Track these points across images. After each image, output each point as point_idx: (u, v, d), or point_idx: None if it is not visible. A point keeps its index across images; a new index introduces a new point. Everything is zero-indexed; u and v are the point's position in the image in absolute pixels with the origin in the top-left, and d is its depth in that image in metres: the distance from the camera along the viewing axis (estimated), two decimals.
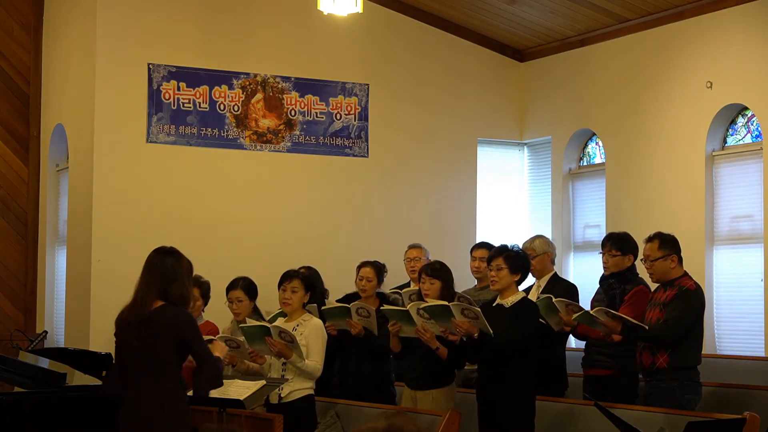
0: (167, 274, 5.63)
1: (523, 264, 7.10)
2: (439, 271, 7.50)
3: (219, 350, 6.15)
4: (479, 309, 6.89)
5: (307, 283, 7.39)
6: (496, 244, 7.54)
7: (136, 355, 5.63)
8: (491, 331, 6.81)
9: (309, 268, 8.77)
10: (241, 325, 7.42)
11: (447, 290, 7.44)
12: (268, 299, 8.78)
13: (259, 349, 7.19)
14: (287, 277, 7.40)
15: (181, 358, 5.68)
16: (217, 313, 8.33)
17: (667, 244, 7.10)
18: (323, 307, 7.97)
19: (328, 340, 7.57)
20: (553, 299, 7.35)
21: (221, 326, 8.17)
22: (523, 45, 11.64)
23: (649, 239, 7.17)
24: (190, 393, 5.90)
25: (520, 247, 7.36)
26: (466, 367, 8.20)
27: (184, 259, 5.75)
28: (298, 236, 10.60)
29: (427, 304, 7.14)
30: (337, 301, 8.50)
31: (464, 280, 9.09)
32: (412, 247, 9.32)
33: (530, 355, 6.93)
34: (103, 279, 9.87)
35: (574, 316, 7.16)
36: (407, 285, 9.02)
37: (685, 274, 7.12)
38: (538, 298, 7.54)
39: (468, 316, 6.88)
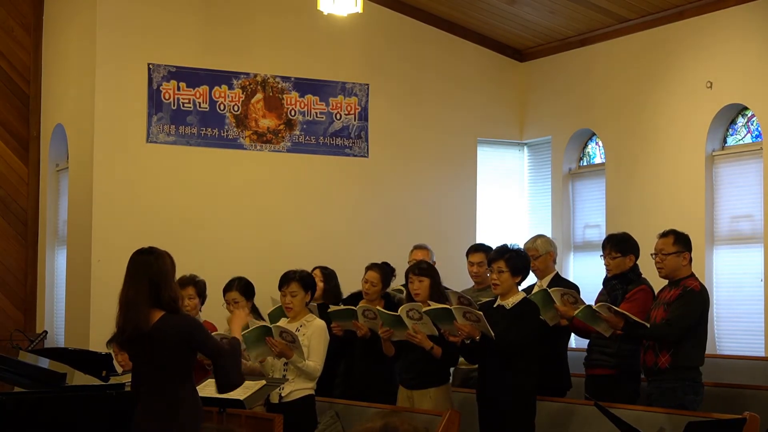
0: (154, 278, 5.51)
1: (524, 264, 7.10)
2: (426, 270, 7.55)
3: (238, 322, 6.02)
4: (481, 313, 6.88)
5: (305, 283, 7.38)
6: (495, 244, 7.51)
7: (147, 364, 5.59)
8: (493, 334, 6.81)
9: (325, 268, 8.77)
10: (242, 333, 7.39)
11: (436, 287, 7.48)
12: (268, 299, 8.78)
13: (260, 352, 7.17)
14: (284, 281, 7.39)
15: (191, 363, 5.66)
16: (217, 312, 8.33)
17: (682, 241, 7.12)
18: (329, 310, 7.96)
19: (333, 340, 7.57)
20: (549, 290, 7.35)
21: (220, 325, 8.16)
22: (523, 45, 11.63)
23: (664, 234, 7.17)
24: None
25: (520, 246, 7.35)
26: (464, 367, 8.21)
27: (166, 255, 5.63)
28: (297, 236, 10.60)
29: (429, 308, 7.14)
30: (342, 301, 8.49)
31: (465, 280, 9.09)
32: (417, 248, 9.26)
33: (531, 355, 6.93)
34: (103, 279, 9.86)
35: (576, 312, 7.16)
36: None
37: (692, 274, 7.13)
38: (533, 292, 7.55)
39: (470, 319, 6.88)
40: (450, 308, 6.99)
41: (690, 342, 6.96)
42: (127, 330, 5.52)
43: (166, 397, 5.55)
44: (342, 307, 8.01)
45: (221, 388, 5.75)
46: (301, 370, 7.14)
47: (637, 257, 7.51)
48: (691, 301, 6.98)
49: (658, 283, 7.35)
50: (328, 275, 8.76)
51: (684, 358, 6.93)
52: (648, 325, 6.96)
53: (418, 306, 7.30)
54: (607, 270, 7.59)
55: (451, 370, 8.15)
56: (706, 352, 7.25)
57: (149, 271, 5.53)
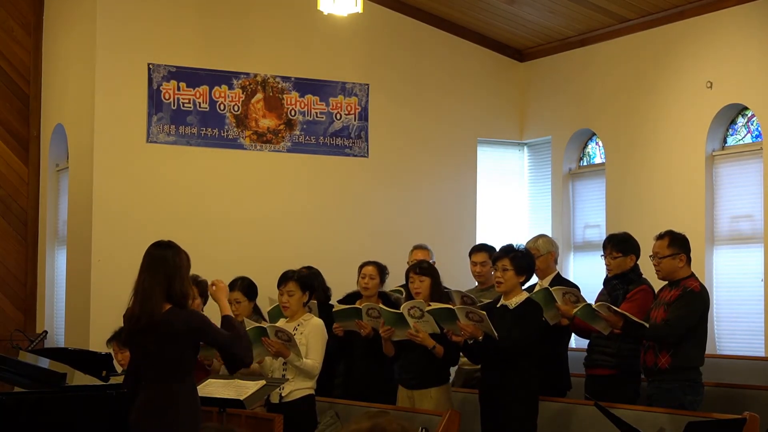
0: (169, 270, 5.60)
1: (529, 265, 7.11)
2: (427, 269, 7.58)
3: (223, 294, 6.02)
4: (484, 312, 6.88)
5: (303, 283, 7.38)
6: (496, 244, 7.53)
7: (149, 358, 5.63)
8: (496, 334, 6.81)
9: (309, 268, 8.77)
10: None
11: (436, 287, 7.49)
12: (266, 299, 8.78)
13: (256, 353, 7.18)
14: (282, 280, 7.41)
15: (195, 354, 5.71)
16: (217, 312, 8.31)
17: (677, 243, 7.10)
18: (334, 310, 7.97)
19: (333, 340, 7.57)
20: (551, 288, 7.36)
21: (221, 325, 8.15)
22: (523, 45, 11.63)
23: (660, 236, 7.17)
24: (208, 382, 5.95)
25: (525, 246, 7.36)
26: (468, 367, 8.21)
27: (183, 252, 5.72)
28: (297, 236, 10.60)
29: (431, 308, 7.14)
30: (339, 301, 8.49)
31: (464, 280, 9.09)
32: (417, 248, 9.27)
33: (533, 355, 6.93)
34: (103, 279, 9.87)
35: (575, 310, 7.16)
36: None
37: (692, 275, 7.12)
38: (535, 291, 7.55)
39: (473, 319, 6.88)
40: (453, 308, 7.00)
41: (690, 342, 6.96)
42: (142, 319, 5.55)
43: (165, 390, 5.57)
44: (345, 306, 8.01)
45: (232, 370, 5.86)
46: (300, 369, 7.15)
47: (637, 257, 7.51)
48: (691, 302, 6.98)
49: (658, 283, 7.35)
50: (314, 275, 8.78)
51: (684, 358, 6.93)
52: (647, 325, 6.95)
53: (421, 303, 7.31)
54: (607, 270, 7.59)
55: (453, 369, 8.16)
56: (707, 352, 7.25)
57: (166, 264, 5.62)
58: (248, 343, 5.97)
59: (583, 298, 7.41)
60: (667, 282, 7.19)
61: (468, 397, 7.58)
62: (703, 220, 9.66)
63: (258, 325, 7.31)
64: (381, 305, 7.67)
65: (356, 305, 7.93)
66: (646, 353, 7.05)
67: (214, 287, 6.08)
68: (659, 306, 7.08)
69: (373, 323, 7.77)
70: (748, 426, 6.13)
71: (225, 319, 5.86)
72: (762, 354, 9.09)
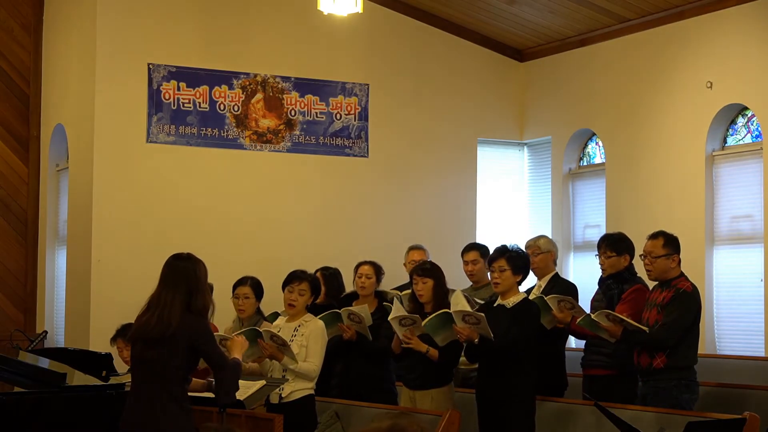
0: (191, 285, 5.64)
1: (524, 263, 7.12)
2: (430, 270, 7.54)
3: (238, 348, 6.05)
4: (483, 315, 6.87)
5: (314, 286, 7.37)
6: (495, 244, 7.52)
7: (144, 362, 5.65)
8: (492, 336, 6.81)
9: (327, 268, 8.80)
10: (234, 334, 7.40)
11: (439, 288, 7.47)
12: (268, 299, 8.78)
13: (250, 353, 7.18)
14: (296, 278, 7.33)
15: (189, 364, 5.69)
16: (218, 313, 8.30)
17: (671, 243, 7.11)
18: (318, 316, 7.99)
19: (330, 341, 7.56)
20: (545, 297, 7.37)
21: (221, 326, 8.17)
22: (523, 45, 11.64)
23: (653, 236, 7.17)
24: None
25: (520, 246, 7.36)
26: (464, 367, 8.21)
27: (202, 263, 5.76)
28: (297, 236, 10.60)
29: (427, 320, 7.12)
30: (338, 300, 8.51)
31: (464, 280, 9.09)
32: (413, 248, 9.28)
33: (530, 355, 6.93)
34: (103, 279, 9.87)
35: (578, 320, 7.17)
36: (408, 285, 8.99)
37: (682, 274, 7.12)
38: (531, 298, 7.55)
39: (469, 322, 6.88)
40: (449, 312, 6.99)
41: (685, 342, 6.97)
42: (155, 329, 5.56)
43: (156, 393, 5.59)
44: (327, 312, 7.98)
45: (219, 399, 5.84)
46: (296, 372, 7.14)
47: (632, 257, 7.52)
48: (686, 304, 6.98)
49: (653, 283, 7.35)
50: (332, 275, 8.82)
51: (679, 358, 6.93)
52: (647, 330, 6.95)
53: (415, 318, 7.29)
54: (602, 269, 7.60)
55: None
56: (707, 352, 7.27)
57: (188, 278, 5.65)
58: (236, 383, 5.90)
59: (579, 306, 7.42)
60: (657, 282, 7.19)
61: (467, 397, 7.58)
62: (703, 220, 9.67)
63: (254, 328, 7.32)
64: (391, 320, 7.62)
65: (336, 310, 7.94)
66: (639, 355, 7.05)
67: (234, 339, 6.17)
68: (651, 307, 7.08)
69: (354, 328, 7.81)
70: (748, 426, 6.12)
71: (235, 359, 5.88)
72: (762, 354, 9.09)
